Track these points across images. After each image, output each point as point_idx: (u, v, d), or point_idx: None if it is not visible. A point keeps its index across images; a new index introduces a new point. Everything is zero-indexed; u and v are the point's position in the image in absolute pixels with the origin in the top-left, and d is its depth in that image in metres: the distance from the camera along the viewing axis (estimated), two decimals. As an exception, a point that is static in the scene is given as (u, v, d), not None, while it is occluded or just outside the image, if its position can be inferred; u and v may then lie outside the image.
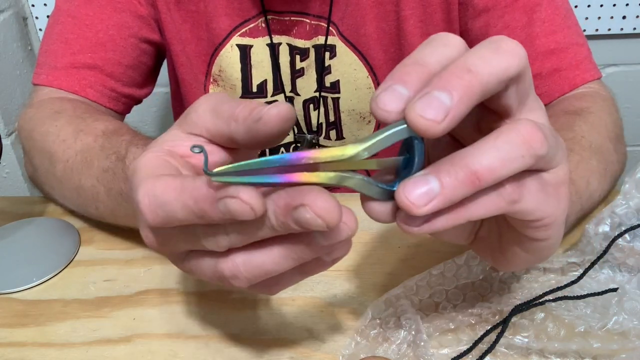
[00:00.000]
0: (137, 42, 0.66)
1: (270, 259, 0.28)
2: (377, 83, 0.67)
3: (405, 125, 0.26)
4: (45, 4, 1.16)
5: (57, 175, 0.52)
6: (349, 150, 0.26)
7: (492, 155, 0.26)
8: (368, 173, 0.30)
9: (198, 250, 0.29)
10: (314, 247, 0.27)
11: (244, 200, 0.25)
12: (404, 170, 0.29)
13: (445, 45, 0.28)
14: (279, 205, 0.26)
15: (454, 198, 0.26)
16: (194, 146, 0.26)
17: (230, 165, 0.25)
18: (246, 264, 0.28)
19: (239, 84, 0.68)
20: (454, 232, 0.34)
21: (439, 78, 0.25)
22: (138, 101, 0.71)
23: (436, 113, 0.25)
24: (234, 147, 0.31)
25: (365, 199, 0.29)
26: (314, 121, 0.70)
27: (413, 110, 0.25)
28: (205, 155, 0.26)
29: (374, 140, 0.26)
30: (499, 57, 0.26)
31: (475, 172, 0.26)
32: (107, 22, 0.63)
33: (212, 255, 0.29)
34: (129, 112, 0.70)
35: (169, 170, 0.29)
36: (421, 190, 0.26)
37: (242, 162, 0.25)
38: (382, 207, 0.28)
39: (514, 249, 0.33)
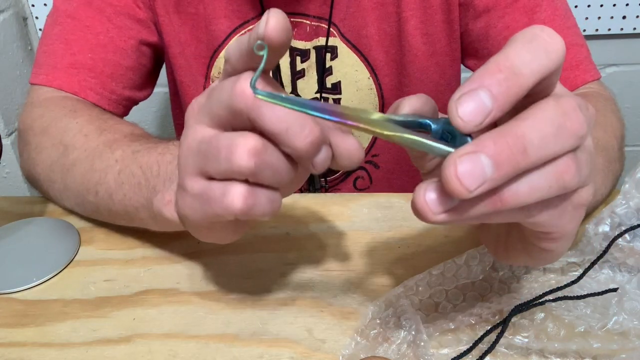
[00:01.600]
0: (137, 44, 0.66)
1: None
2: (378, 84, 0.68)
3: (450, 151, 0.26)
4: (45, 4, 1.16)
5: (66, 163, 0.52)
6: (386, 130, 0.26)
7: (525, 183, 0.26)
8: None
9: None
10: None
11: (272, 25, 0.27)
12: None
13: (546, 52, 0.26)
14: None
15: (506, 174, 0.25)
16: (258, 43, 0.26)
17: (277, 94, 0.26)
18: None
19: None
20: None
21: (496, 138, 0.25)
22: (137, 103, 0.71)
23: (473, 182, 0.24)
24: None
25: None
26: None
27: (452, 170, 0.24)
28: (264, 63, 0.26)
29: (413, 139, 0.26)
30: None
31: (500, 196, 0.26)
32: (107, 24, 0.63)
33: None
34: (127, 114, 0.70)
35: None
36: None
37: (293, 97, 0.26)
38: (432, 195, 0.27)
39: (518, 249, 0.33)
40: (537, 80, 0.26)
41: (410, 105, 0.30)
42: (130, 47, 0.65)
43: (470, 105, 0.25)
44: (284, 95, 0.27)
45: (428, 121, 0.29)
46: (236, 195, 0.30)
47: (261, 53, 0.26)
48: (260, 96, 0.26)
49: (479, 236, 0.37)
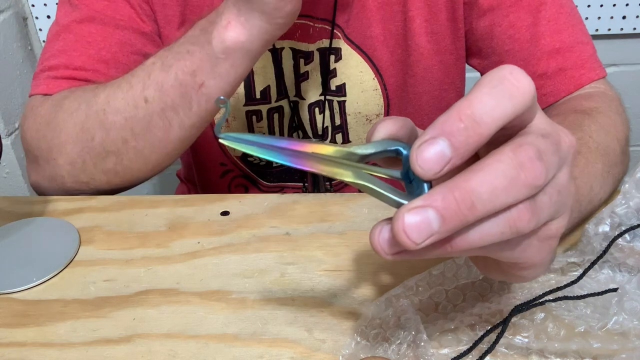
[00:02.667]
0: (141, 58, 0.64)
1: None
2: (383, 85, 0.67)
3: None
4: (45, 4, 1.16)
5: (99, 103, 0.55)
6: (348, 177, 0.27)
7: (475, 231, 0.26)
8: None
9: None
10: None
11: None
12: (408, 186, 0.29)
13: (511, 98, 0.25)
14: None
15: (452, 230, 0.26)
16: (220, 98, 0.27)
17: (240, 134, 0.27)
18: None
19: (241, 91, 0.68)
20: None
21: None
22: None
23: (419, 236, 0.25)
24: None
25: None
26: (319, 125, 0.70)
27: (400, 223, 0.25)
28: (227, 112, 0.27)
29: (370, 188, 0.27)
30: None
31: (450, 241, 0.26)
32: (110, 39, 0.63)
33: None
34: None
35: None
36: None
37: (253, 135, 0.27)
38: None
39: (495, 269, 0.33)
40: (501, 126, 0.25)
41: (386, 129, 0.30)
42: (133, 62, 0.64)
43: (429, 153, 0.25)
44: (247, 137, 0.27)
45: (399, 147, 0.29)
46: None
47: (222, 106, 0.27)
48: (223, 140, 0.27)
49: None
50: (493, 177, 0.25)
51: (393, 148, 0.29)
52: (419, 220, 0.25)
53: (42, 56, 0.65)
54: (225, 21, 0.40)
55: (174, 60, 0.51)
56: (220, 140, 0.27)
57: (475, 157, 0.27)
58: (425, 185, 0.27)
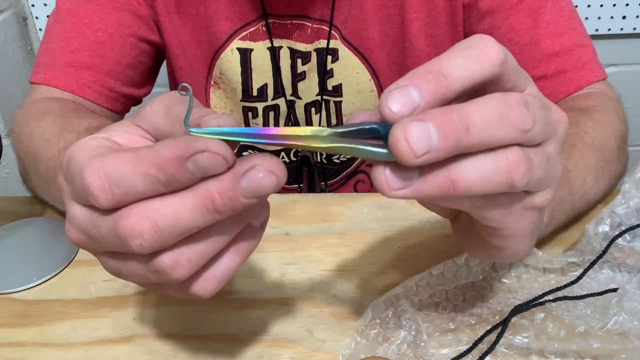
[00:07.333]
0: (137, 41, 0.65)
1: (214, 231, 0.27)
2: (379, 86, 0.68)
3: (386, 151, 0.26)
4: (45, 4, 1.16)
5: (42, 175, 0.52)
6: (316, 142, 0.27)
7: (476, 172, 0.26)
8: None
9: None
10: (253, 209, 0.28)
11: (215, 152, 0.25)
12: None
13: (479, 60, 0.27)
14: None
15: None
16: (182, 85, 0.26)
17: (210, 129, 0.26)
18: (189, 245, 0.27)
19: (239, 88, 0.68)
20: (438, 204, 0.35)
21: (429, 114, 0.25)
22: (137, 101, 0.71)
23: (420, 146, 0.25)
24: None
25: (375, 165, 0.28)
26: (315, 124, 0.70)
27: (402, 133, 0.25)
28: (191, 104, 0.26)
29: (348, 146, 0.27)
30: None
31: (453, 181, 0.26)
32: (107, 20, 0.63)
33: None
34: (127, 111, 0.70)
35: (108, 151, 0.28)
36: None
37: (224, 129, 0.26)
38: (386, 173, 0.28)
39: (477, 244, 0.33)
40: (469, 85, 0.26)
41: (362, 116, 0.30)
42: (129, 44, 0.65)
43: (399, 98, 0.25)
44: (217, 130, 0.26)
45: (375, 126, 0.28)
46: (167, 265, 0.27)
47: (184, 94, 0.26)
48: (195, 133, 0.26)
49: (453, 230, 0.37)
50: (485, 109, 0.26)
51: (370, 126, 0.28)
52: (420, 131, 0.25)
53: (42, 39, 0.65)
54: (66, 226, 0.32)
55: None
56: (192, 133, 0.26)
57: None
58: None
